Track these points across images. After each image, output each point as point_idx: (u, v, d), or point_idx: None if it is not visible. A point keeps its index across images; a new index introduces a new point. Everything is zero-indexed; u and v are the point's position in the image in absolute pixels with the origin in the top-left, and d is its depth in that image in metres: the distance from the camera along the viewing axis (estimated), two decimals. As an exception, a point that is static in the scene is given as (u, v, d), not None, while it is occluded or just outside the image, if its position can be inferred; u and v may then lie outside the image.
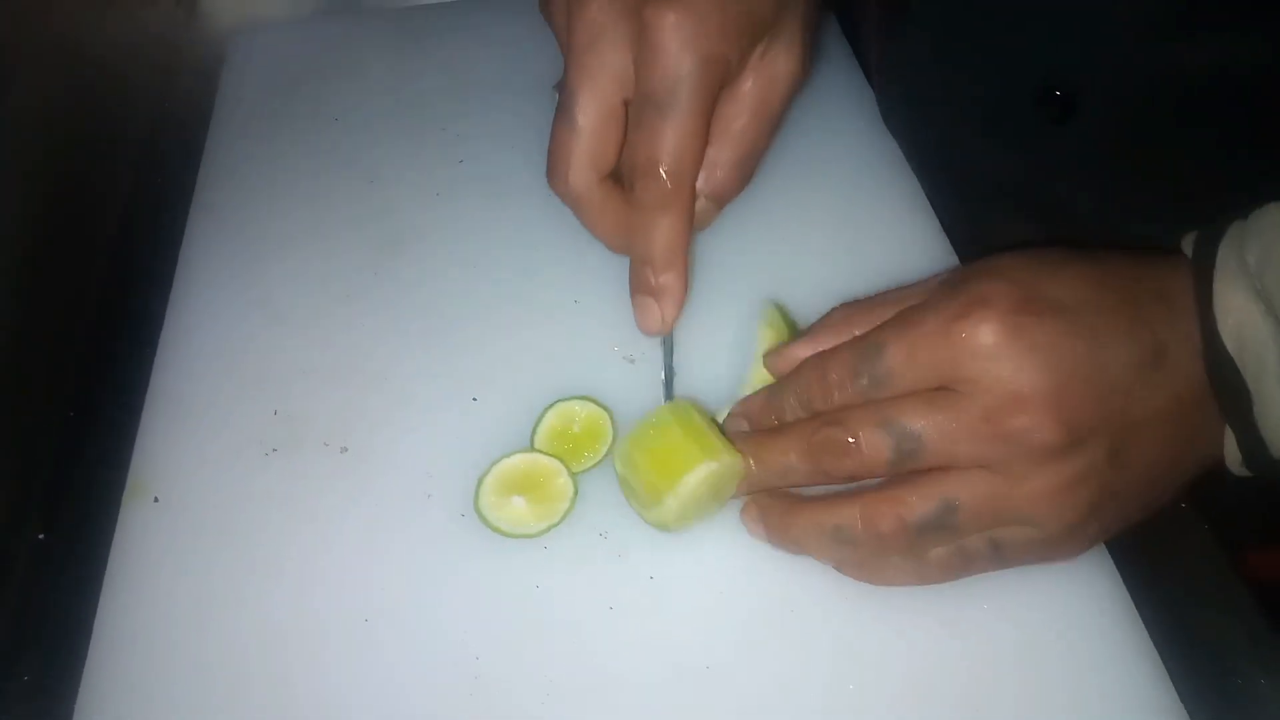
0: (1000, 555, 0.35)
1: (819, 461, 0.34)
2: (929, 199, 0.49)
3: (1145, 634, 0.36)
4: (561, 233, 0.49)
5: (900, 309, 0.35)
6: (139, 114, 0.62)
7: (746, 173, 0.41)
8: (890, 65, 0.50)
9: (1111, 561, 0.38)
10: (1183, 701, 0.35)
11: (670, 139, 0.36)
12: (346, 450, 0.42)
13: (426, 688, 0.36)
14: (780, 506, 0.37)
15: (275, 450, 0.42)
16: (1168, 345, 0.34)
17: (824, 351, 0.36)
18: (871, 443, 0.33)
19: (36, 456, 0.46)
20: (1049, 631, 0.36)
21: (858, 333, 0.36)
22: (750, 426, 0.38)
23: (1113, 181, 0.44)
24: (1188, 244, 0.35)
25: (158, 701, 0.36)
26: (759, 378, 0.40)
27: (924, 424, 0.33)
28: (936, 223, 0.48)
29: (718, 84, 0.38)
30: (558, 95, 0.43)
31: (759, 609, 0.37)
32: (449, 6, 0.69)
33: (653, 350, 0.44)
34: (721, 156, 0.39)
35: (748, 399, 0.39)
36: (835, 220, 0.49)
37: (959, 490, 0.33)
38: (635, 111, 0.37)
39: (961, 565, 0.35)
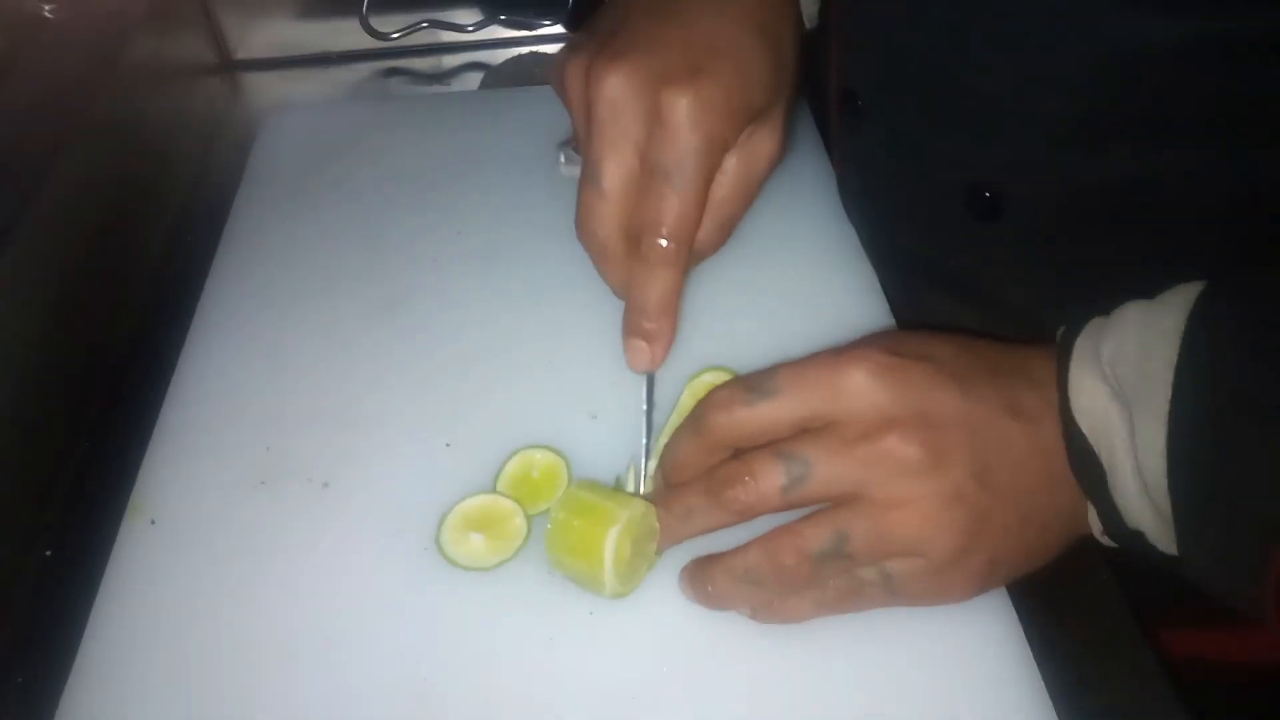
0: (891, 587, 0.38)
1: (718, 497, 0.38)
2: (880, 282, 0.53)
3: (1044, 690, 0.39)
4: (541, 300, 0.54)
5: None
6: (177, 179, 0.68)
7: (725, 235, 0.46)
8: (846, 157, 0.55)
9: (1018, 620, 0.40)
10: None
11: (675, 206, 0.41)
12: (328, 485, 0.46)
13: (378, 703, 0.39)
14: (702, 563, 0.40)
15: (263, 482, 0.46)
16: (1025, 402, 0.38)
17: None
18: (765, 471, 0.37)
19: (53, 481, 0.51)
20: (952, 681, 0.39)
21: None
22: (661, 471, 0.42)
23: (1039, 275, 0.47)
24: (1059, 334, 0.40)
25: (135, 703, 0.39)
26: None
27: (811, 450, 0.37)
28: (885, 304, 0.52)
29: (718, 160, 0.43)
30: (562, 154, 0.48)
31: (686, 649, 0.40)
32: (466, 95, 0.75)
33: (613, 408, 0.48)
34: (705, 220, 0.44)
35: (665, 444, 0.42)
36: (788, 293, 0.53)
37: (848, 520, 0.36)
38: (645, 178, 0.42)
39: (858, 595, 0.38)
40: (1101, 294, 0.39)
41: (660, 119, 0.41)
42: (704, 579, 0.39)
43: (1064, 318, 0.40)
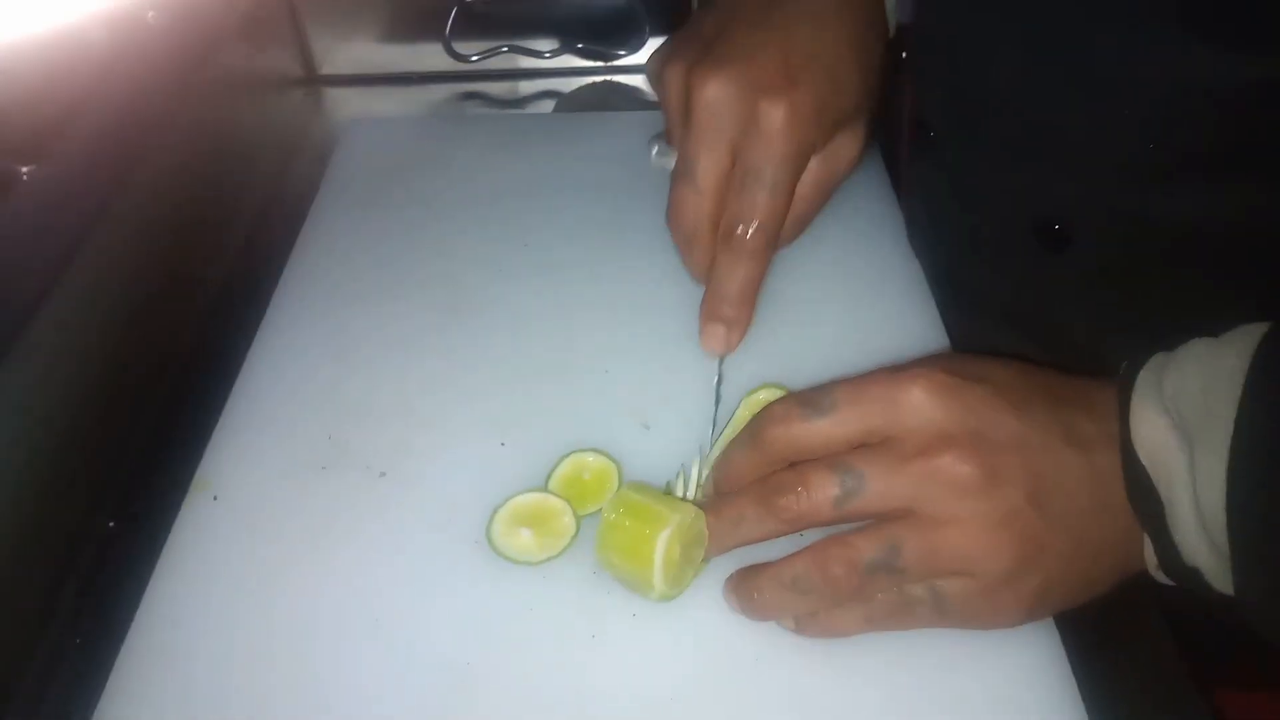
0: (941, 606, 0.38)
1: (770, 505, 0.38)
2: (940, 315, 0.53)
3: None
4: (600, 315, 0.55)
5: None
6: (259, 183, 0.71)
7: (801, 228, 0.49)
8: (914, 189, 0.55)
9: (1064, 654, 0.40)
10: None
11: (765, 204, 0.44)
12: (385, 475, 0.47)
13: (420, 686, 0.40)
14: (749, 572, 0.40)
15: (325, 468, 0.48)
16: (1083, 430, 0.38)
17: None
18: (818, 482, 0.37)
19: (120, 456, 0.53)
20: (993, 713, 0.38)
21: None
22: (713, 478, 0.42)
23: (1103, 309, 0.47)
24: (1122, 368, 0.40)
25: (185, 672, 0.41)
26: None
27: (864, 463, 0.37)
28: (944, 333, 0.52)
29: (805, 163, 0.46)
30: (654, 146, 0.50)
31: (726, 655, 0.40)
32: (540, 117, 0.77)
33: (665, 420, 0.49)
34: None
35: (719, 454, 0.43)
36: (846, 317, 0.54)
37: (901, 533, 0.37)
38: (739, 177, 0.45)
39: (906, 613, 0.38)
40: (1165, 330, 0.39)
41: (756, 125, 0.43)
42: (751, 586, 0.40)
43: (1126, 352, 0.40)
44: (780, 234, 0.46)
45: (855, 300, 0.55)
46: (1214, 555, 0.36)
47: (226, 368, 0.53)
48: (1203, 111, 0.40)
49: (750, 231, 0.44)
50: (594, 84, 0.80)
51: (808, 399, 0.39)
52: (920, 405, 0.37)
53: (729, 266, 0.45)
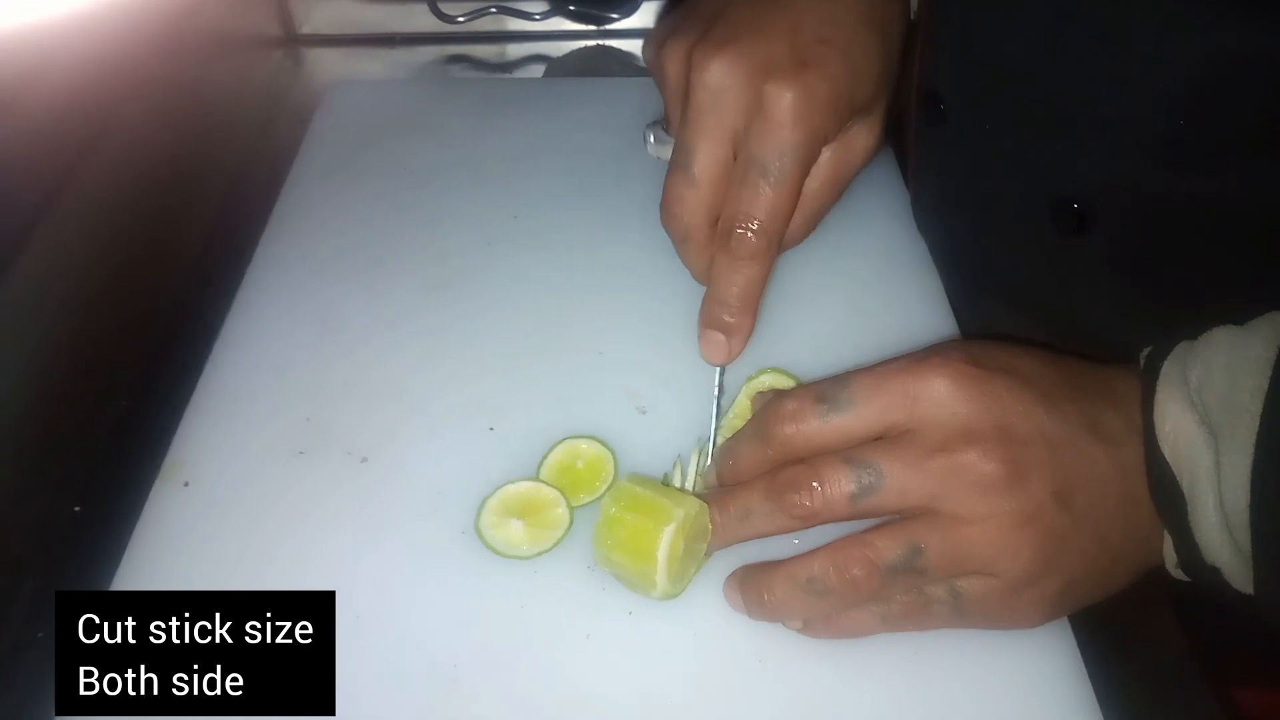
0: (960, 606, 0.36)
1: (780, 500, 0.36)
2: (950, 298, 0.51)
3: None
4: (594, 290, 0.53)
5: None
6: (235, 147, 0.68)
7: (811, 227, 0.45)
8: (924, 167, 0.53)
9: (1078, 653, 0.38)
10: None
11: (768, 201, 0.40)
12: (366, 460, 0.45)
13: (404, 687, 0.37)
14: (757, 571, 0.38)
15: (302, 453, 0.45)
16: (1109, 423, 0.36)
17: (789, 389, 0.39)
18: (834, 477, 0.35)
19: (87, 438, 0.50)
20: (1005, 713, 0.37)
21: None
22: (717, 471, 0.40)
23: (1122, 294, 0.45)
24: (1144, 354, 0.38)
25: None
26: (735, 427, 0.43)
27: (883, 458, 0.35)
28: (951, 317, 0.50)
29: (816, 153, 0.42)
30: (651, 133, 0.47)
31: (728, 656, 0.38)
32: (529, 82, 0.74)
33: (662, 405, 0.47)
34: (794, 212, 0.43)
35: (720, 446, 0.41)
36: (850, 299, 0.51)
37: (923, 533, 0.35)
38: (741, 169, 0.41)
39: (924, 613, 0.36)
40: (1187, 316, 0.38)
41: (762, 111, 0.40)
42: (760, 586, 0.38)
43: (1145, 340, 0.39)
44: (786, 233, 0.42)
45: (858, 282, 0.53)
46: (1235, 554, 0.35)
47: (199, 345, 0.50)
48: (1240, 87, 0.38)
49: (752, 231, 0.40)
50: (585, 48, 0.77)
51: (823, 393, 0.37)
52: (943, 397, 0.35)
53: (728, 269, 0.41)
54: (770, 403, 0.38)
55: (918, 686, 0.37)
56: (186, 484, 0.44)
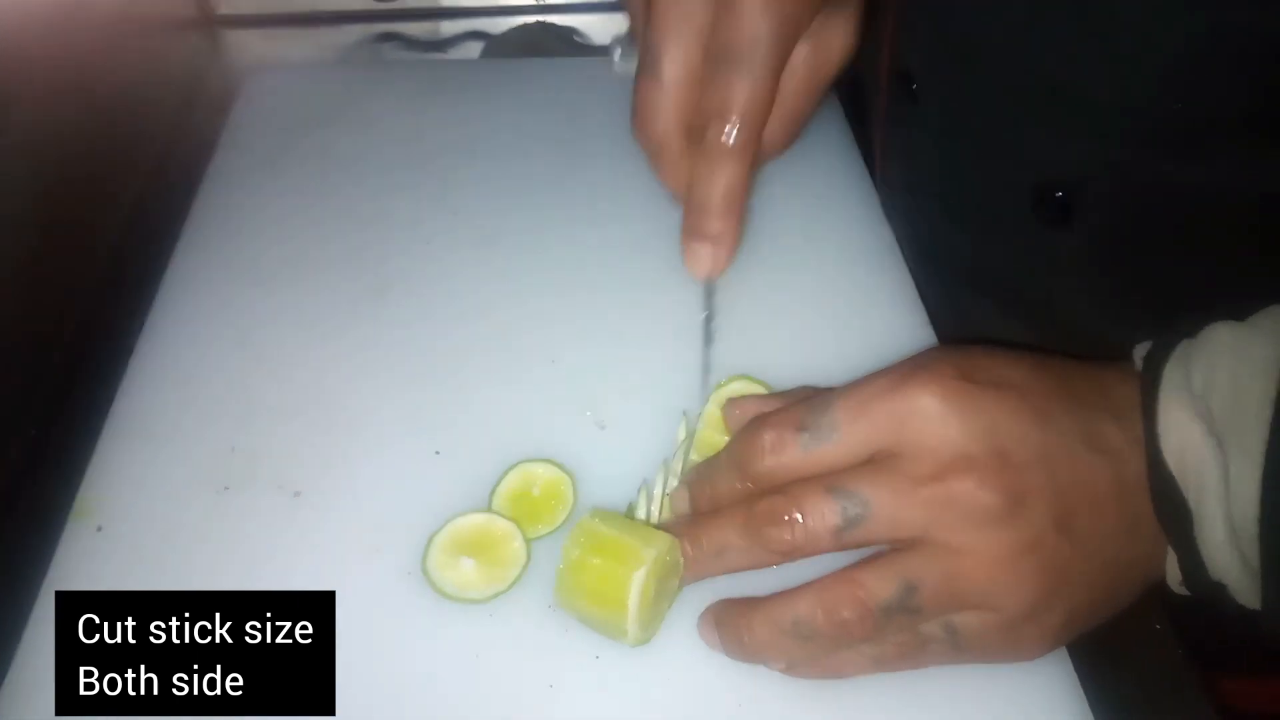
0: (957, 643, 0.33)
1: (759, 535, 0.33)
2: (919, 289, 0.48)
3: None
4: (544, 292, 0.50)
5: None
6: (148, 143, 0.63)
7: (792, 134, 0.42)
8: (893, 151, 0.50)
9: (1075, 674, 0.36)
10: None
11: (745, 92, 0.37)
12: (299, 495, 0.41)
13: (350, 753, 0.34)
14: (735, 610, 0.35)
15: (227, 488, 0.41)
16: (1107, 435, 0.34)
17: (765, 412, 0.36)
18: (817, 509, 0.33)
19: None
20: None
21: None
22: (689, 498, 0.37)
23: (1107, 288, 0.43)
24: (1140, 351, 0.35)
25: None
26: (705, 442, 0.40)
27: (870, 487, 0.32)
28: (923, 314, 0.47)
29: (792, 43, 0.38)
30: (618, 48, 0.43)
31: (705, 702, 0.35)
32: (466, 64, 0.70)
33: (623, 417, 0.43)
34: (773, 115, 0.39)
35: (689, 473, 0.38)
36: (815, 297, 0.48)
37: (917, 568, 0.32)
38: (712, 64, 0.38)
39: (918, 651, 0.34)
40: (1176, 311, 0.35)
41: (730, 3, 0.36)
42: (739, 626, 0.35)
43: (1130, 336, 0.36)
44: (768, 137, 0.39)
45: (821, 275, 0.50)
46: (1243, 570, 0.33)
47: (111, 368, 0.46)
48: (1237, 65, 0.35)
49: (729, 127, 0.37)
50: (526, 25, 0.73)
51: (803, 421, 0.34)
52: (932, 417, 0.32)
53: (707, 172, 0.38)
54: (747, 432, 0.35)
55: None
56: (100, 528, 0.40)
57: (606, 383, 0.45)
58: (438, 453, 0.42)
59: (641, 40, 0.39)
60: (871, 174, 0.53)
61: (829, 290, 0.49)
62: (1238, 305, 0.35)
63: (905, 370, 0.33)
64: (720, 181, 0.38)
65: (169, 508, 0.41)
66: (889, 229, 0.51)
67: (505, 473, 0.41)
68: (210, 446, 0.43)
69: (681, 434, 0.41)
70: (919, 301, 0.48)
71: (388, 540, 0.39)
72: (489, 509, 0.40)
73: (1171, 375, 0.34)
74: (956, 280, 0.48)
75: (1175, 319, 0.36)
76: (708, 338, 0.41)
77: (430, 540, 0.38)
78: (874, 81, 0.47)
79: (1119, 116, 0.38)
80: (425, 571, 0.38)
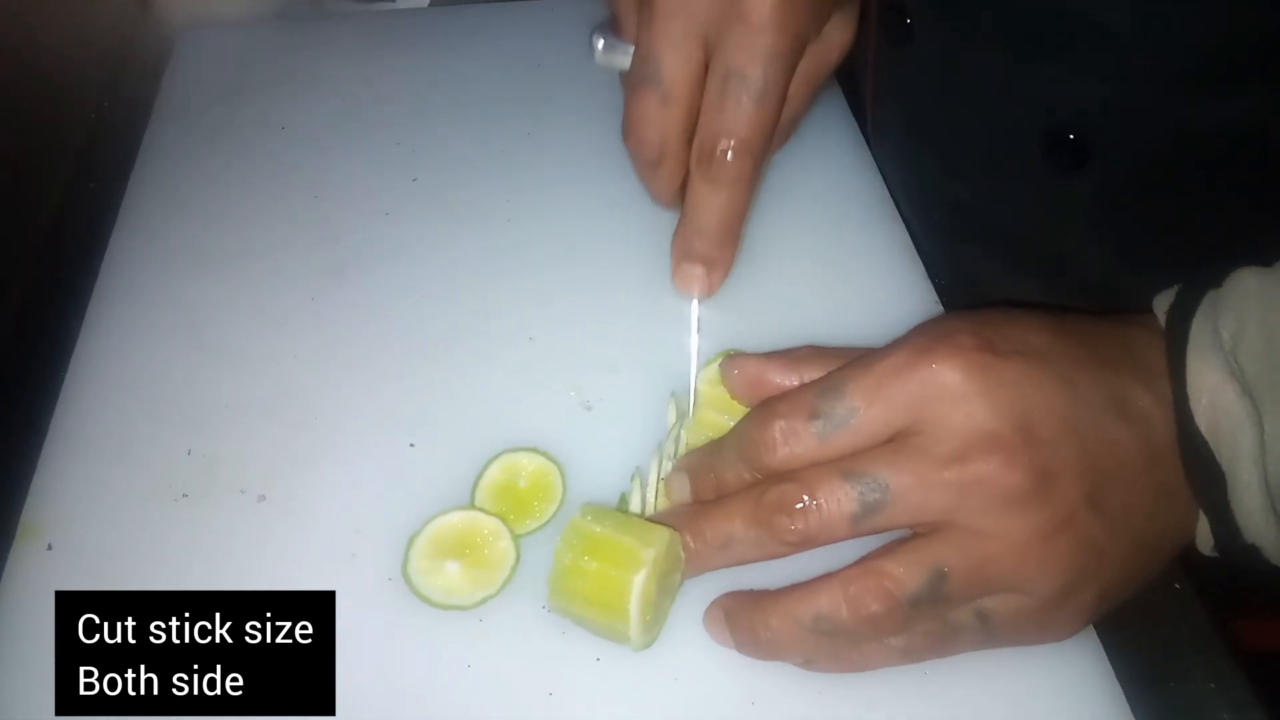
0: (989, 629, 0.32)
1: (769, 525, 0.31)
2: (916, 242, 0.45)
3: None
4: (517, 261, 0.46)
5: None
6: (75, 113, 0.58)
7: (787, 136, 0.41)
8: (885, 92, 0.47)
9: (1099, 640, 0.35)
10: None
11: (753, 116, 0.36)
12: (264, 499, 0.38)
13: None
14: (748, 605, 0.33)
15: (185, 495, 0.38)
16: (1135, 399, 0.32)
17: (774, 396, 0.34)
18: (832, 495, 0.30)
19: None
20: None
21: (817, 375, 0.34)
22: (690, 487, 0.35)
23: (1122, 237, 0.41)
24: (1161, 304, 0.33)
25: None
26: (702, 422, 0.37)
27: (889, 470, 0.30)
28: (921, 268, 0.45)
29: (799, 60, 0.37)
30: (600, 39, 0.40)
31: (714, 702, 0.33)
32: (414, 13, 0.65)
33: (610, 396, 0.41)
34: None
35: (687, 456, 0.36)
36: (806, 257, 0.45)
37: (944, 554, 0.30)
38: (719, 81, 0.36)
39: (948, 640, 0.32)
40: (1196, 260, 0.33)
41: (739, 13, 0.34)
42: (754, 622, 0.32)
43: (1148, 289, 0.34)
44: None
45: (812, 231, 0.47)
46: (1278, 530, 0.31)
47: (47, 373, 0.42)
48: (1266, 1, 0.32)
49: (734, 150, 0.35)
50: (477, -32, 0.68)
51: (815, 407, 0.31)
52: (954, 393, 0.30)
53: (708, 194, 0.37)
54: (755, 422, 0.32)
55: (938, 706, 0.33)
56: (50, 547, 0.37)
57: (588, 358, 0.42)
58: (412, 445, 0.39)
59: (640, 43, 0.37)
60: (861, 123, 0.50)
61: (816, 246, 0.46)
62: (1261, 251, 0.32)
63: (922, 343, 0.31)
64: (721, 205, 0.37)
65: (123, 520, 0.38)
66: (880, 180, 0.48)
67: (487, 464, 0.38)
68: (163, 451, 0.40)
69: (672, 416, 0.39)
70: (915, 255, 0.45)
71: (363, 545, 0.37)
72: (472, 505, 0.37)
73: (1199, 331, 0.32)
74: (956, 232, 0.46)
75: (1195, 268, 0.33)
76: (696, 369, 0.39)
77: (410, 542, 0.36)
78: (864, 14, 0.44)
79: (1142, 52, 0.36)
80: (407, 577, 0.35)
